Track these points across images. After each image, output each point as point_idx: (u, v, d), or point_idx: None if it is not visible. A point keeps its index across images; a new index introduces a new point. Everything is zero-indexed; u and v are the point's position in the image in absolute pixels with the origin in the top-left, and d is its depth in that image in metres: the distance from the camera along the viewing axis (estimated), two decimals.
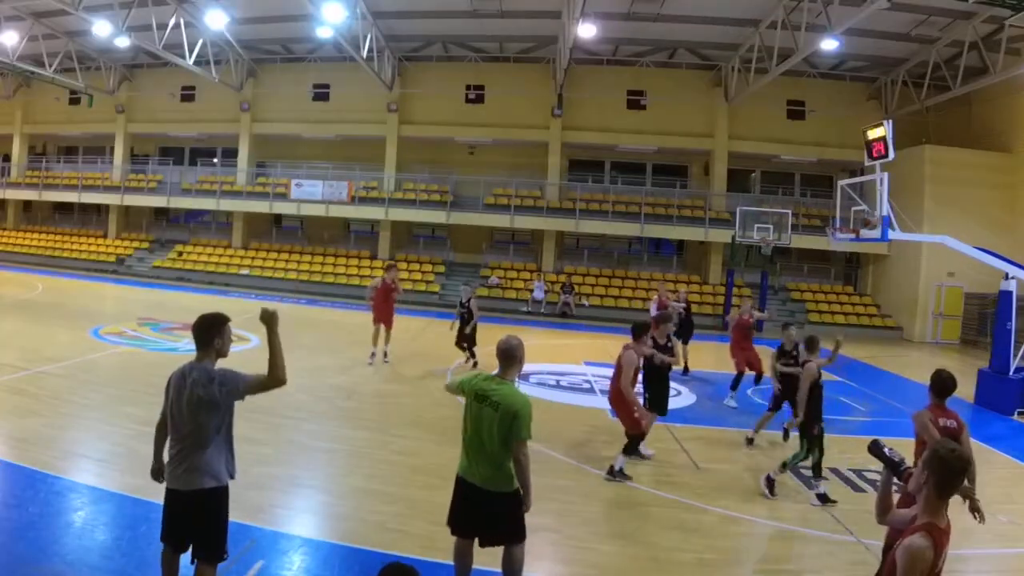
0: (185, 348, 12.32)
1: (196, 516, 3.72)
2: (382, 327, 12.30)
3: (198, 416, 3.66)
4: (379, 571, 2.35)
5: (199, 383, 3.68)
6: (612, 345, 17.62)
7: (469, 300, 12.46)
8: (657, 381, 7.90)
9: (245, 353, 12.55)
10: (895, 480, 3.15)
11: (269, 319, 3.77)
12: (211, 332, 3.80)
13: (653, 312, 12.84)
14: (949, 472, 2.68)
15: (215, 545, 3.80)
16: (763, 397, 11.67)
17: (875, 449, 3.23)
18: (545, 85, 25.12)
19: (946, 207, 20.49)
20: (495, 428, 4.02)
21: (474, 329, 12.48)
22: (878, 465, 5.67)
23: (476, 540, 4.26)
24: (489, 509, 4.09)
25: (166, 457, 3.84)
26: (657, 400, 7.86)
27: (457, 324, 12.53)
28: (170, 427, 3.77)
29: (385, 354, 12.40)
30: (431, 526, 5.46)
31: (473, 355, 12.51)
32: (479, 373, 4.38)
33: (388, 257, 25.98)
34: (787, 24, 18.24)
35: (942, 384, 4.82)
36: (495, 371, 4.32)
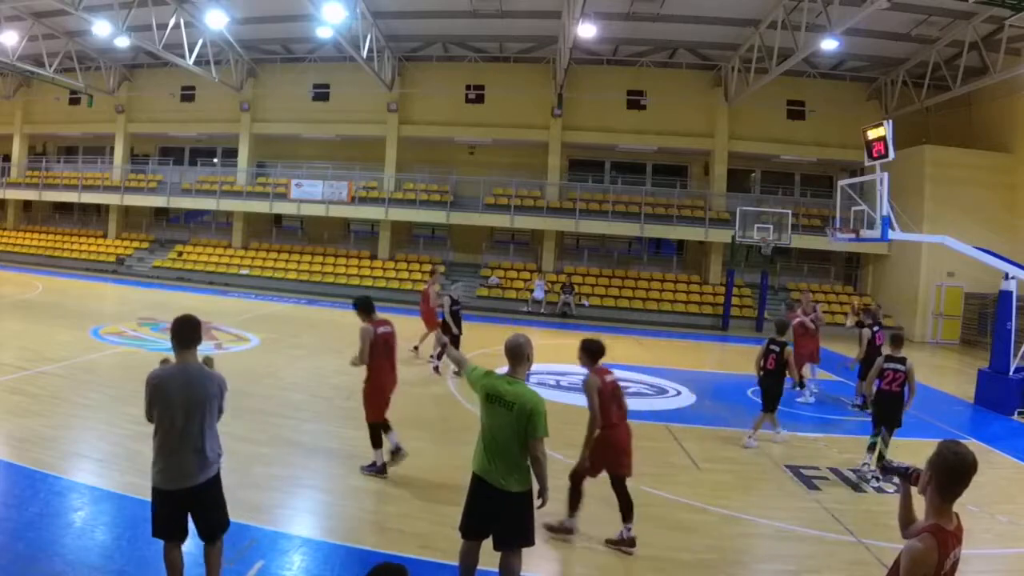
0: None
1: (210, 502, 3.94)
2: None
3: (211, 408, 3.90)
4: (368, 572, 2.34)
5: (208, 383, 3.91)
6: (612, 345, 17.60)
7: (459, 297, 12.45)
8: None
9: (244, 353, 12.56)
10: (907, 484, 3.05)
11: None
12: (197, 331, 3.99)
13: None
14: (951, 473, 2.65)
15: (224, 519, 4.07)
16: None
17: (887, 467, 3.15)
18: (545, 85, 25.12)
19: (946, 207, 20.49)
20: (511, 427, 4.02)
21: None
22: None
23: (482, 542, 4.26)
24: (504, 508, 4.09)
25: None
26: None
27: (448, 325, 11.77)
28: (181, 427, 3.81)
29: (416, 349, 13.05)
30: (431, 526, 5.47)
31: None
32: (490, 372, 4.35)
33: (388, 257, 26.04)
34: (787, 24, 18.24)
35: (592, 349, 5.50)
36: (504, 369, 4.30)
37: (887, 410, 7.42)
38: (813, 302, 12.89)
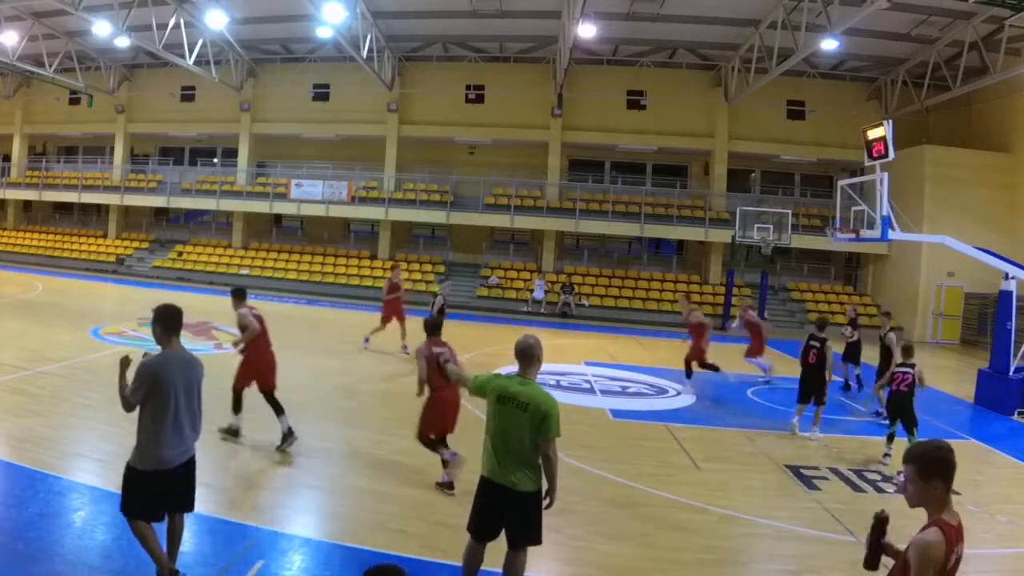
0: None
1: (193, 476, 4.26)
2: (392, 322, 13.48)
3: (200, 388, 4.23)
4: (364, 572, 2.33)
5: (198, 365, 4.26)
6: (612, 345, 17.71)
7: (448, 295, 12.78)
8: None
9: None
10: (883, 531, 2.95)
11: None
12: (182, 319, 4.25)
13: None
14: (949, 467, 2.73)
15: (194, 494, 4.31)
16: (761, 397, 11.68)
17: (871, 559, 2.97)
18: (545, 85, 25.12)
19: (946, 207, 20.50)
20: (525, 428, 4.01)
21: None
22: (876, 463, 5.67)
23: (487, 543, 4.26)
24: (514, 508, 4.09)
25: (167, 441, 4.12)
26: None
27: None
28: (183, 408, 4.07)
29: (406, 348, 13.25)
30: (431, 526, 5.47)
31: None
32: (497, 374, 4.35)
33: (388, 257, 26.06)
34: (787, 24, 18.24)
35: (430, 325, 6.59)
36: (514, 370, 4.29)
37: (900, 408, 8.17)
38: (750, 307, 13.70)
